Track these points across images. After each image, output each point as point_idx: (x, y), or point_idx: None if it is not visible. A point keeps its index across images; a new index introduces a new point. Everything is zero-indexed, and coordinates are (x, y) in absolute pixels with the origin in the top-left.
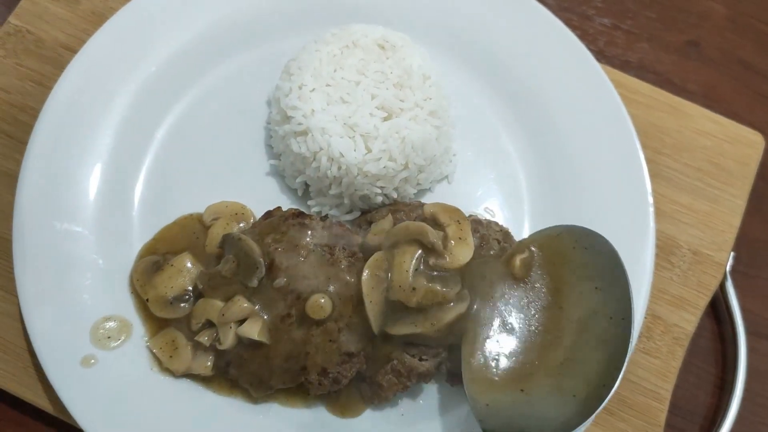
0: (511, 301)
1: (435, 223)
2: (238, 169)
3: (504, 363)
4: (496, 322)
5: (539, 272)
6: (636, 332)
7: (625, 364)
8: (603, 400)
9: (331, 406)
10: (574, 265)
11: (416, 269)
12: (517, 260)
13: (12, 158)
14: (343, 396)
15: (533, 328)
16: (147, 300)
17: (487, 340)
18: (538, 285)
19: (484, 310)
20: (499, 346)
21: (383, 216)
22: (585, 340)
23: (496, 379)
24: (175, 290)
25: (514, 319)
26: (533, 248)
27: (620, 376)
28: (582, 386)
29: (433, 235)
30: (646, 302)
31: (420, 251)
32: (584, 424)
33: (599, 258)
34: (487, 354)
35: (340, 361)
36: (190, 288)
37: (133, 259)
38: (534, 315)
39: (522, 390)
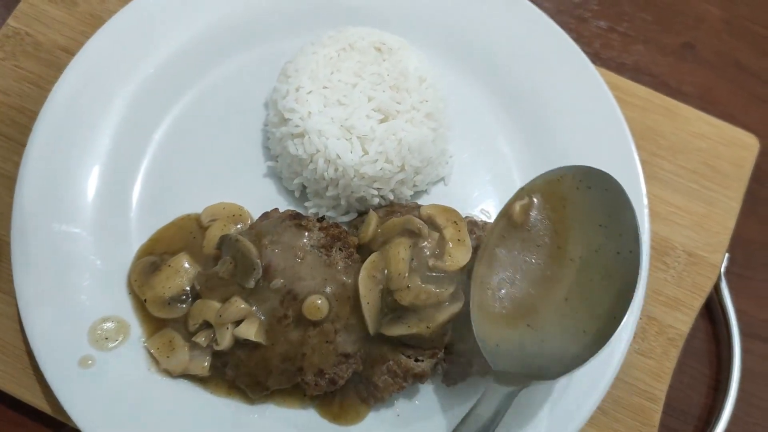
0: (513, 245)
1: (432, 224)
2: (236, 171)
3: (509, 302)
4: (500, 266)
5: (540, 216)
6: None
7: (636, 295)
8: (612, 332)
9: (325, 412)
10: (576, 206)
11: (411, 259)
12: (517, 206)
13: (10, 160)
14: (337, 402)
15: (537, 268)
16: (145, 300)
17: (492, 283)
18: (539, 228)
19: (487, 256)
20: (504, 287)
21: (381, 217)
22: (590, 277)
23: (503, 317)
24: (173, 290)
25: (518, 262)
26: (533, 195)
27: (629, 308)
28: (591, 321)
29: (418, 222)
30: (641, 303)
31: (411, 241)
32: (595, 355)
33: (603, 195)
34: (493, 295)
35: (336, 362)
36: (188, 288)
37: (131, 260)
38: (537, 256)
39: (529, 325)
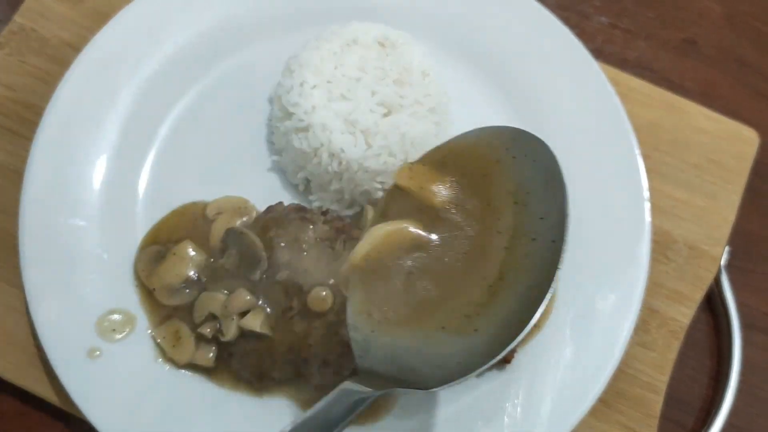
0: (416, 224)
1: None
2: (241, 165)
3: (400, 289)
4: (398, 248)
5: (451, 190)
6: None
7: (548, 294)
8: (511, 339)
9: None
10: (493, 179)
11: None
12: (427, 183)
13: (17, 155)
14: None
15: (439, 252)
16: (153, 290)
17: (386, 267)
18: (448, 204)
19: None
20: (398, 273)
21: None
22: (495, 268)
23: (387, 306)
24: (180, 278)
25: (419, 243)
26: (445, 166)
27: (538, 311)
28: (488, 321)
29: None
30: (643, 296)
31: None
32: (485, 364)
33: (531, 167)
34: (383, 280)
35: (341, 353)
36: (194, 275)
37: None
38: (440, 239)
39: (415, 320)
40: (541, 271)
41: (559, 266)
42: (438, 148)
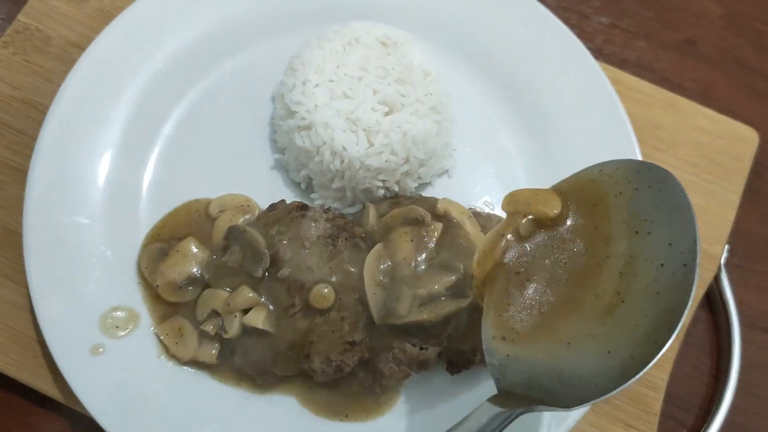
0: (542, 251)
1: (448, 219)
2: (244, 163)
3: (530, 313)
4: (524, 272)
5: (575, 220)
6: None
7: (683, 316)
8: (650, 359)
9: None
10: (618, 209)
11: (416, 248)
12: (548, 210)
13: (22, 153)
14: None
15: (567, 279)
16: (157, 286)
17: (512, 291)
18: (573, 234)
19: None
20: (526, 296)
21: (385, 209)
22: (629, 293)
23: (520, 328)
24: (183, 275)
25: (546, 270)
26: (568, 196)
27: (676, 331)
28: (623, 343)
29: (421, 210)
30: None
31: (415, 230)
32: (624, 384)
33: (655, 196)
34: (511, 304)
35: (342, 350)
36: (198, 271)
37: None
38: (568, 265)
39: (550, 341)
40: (676, 294)
41: (693, 289)
42: (558, 184)
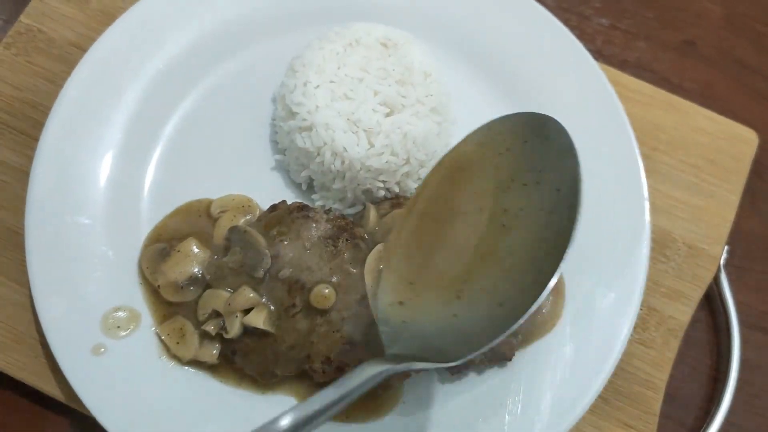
0: (436, 213)
1: None
2: (245, 164)
3: (425, 275)
4: (420, 236)
5: (469, 179)
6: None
7: (564, 254)
8: (529, 304)
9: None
10: (509, 161)
11: None
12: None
13: (24, 154)
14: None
15: (461, 238)
16: (158, 286)
17: (410, 254)
18: (466, 192)
19: (407, 227)
20: (423, 258)
21: (386, 210)
22: (517, 244)
23: (414, 291)
24: (185, 275)
25: (440, 232)
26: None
27: (555, 275)
28: (512, 293)
29: None
30: (642, 294)
31: None
32: (506, 332)
33: (542, 146)
34: (408, 267)
35: (343, 350)
36: (199, 271)
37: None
38: (462, 224)
39: (447, 300)
40: (562, 237)
41: (575, 227)
42: (440, 163)
